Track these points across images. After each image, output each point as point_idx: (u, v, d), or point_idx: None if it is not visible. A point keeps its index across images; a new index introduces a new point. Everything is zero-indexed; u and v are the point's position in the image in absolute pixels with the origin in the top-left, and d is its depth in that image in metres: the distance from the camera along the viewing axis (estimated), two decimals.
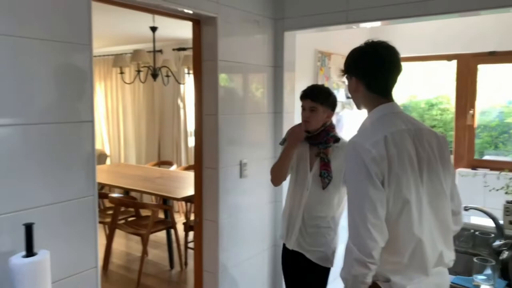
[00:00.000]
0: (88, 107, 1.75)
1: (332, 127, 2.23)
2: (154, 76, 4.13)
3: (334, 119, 2.31)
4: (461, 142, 4.35)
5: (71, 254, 1.71)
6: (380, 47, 1.48)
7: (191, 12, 2.30)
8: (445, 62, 4.38)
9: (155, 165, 5.90)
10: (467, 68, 4.17)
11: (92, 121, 1.77)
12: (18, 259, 1.43)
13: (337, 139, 2.21)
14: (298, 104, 3.10)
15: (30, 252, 1.45)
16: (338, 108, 3.74)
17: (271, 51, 2.85)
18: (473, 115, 4.24)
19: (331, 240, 2.22)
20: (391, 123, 1.42)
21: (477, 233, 2.16)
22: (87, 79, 1.75)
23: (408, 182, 1.34)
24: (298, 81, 3.08)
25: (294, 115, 3.03)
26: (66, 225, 1.69)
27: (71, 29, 1.68)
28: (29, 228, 1.45)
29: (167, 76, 4.39)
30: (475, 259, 1.73)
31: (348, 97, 3.95)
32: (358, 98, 1.56)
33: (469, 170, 4.19)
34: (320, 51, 3.45)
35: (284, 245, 2.34)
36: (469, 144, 4.33)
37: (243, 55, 2.63)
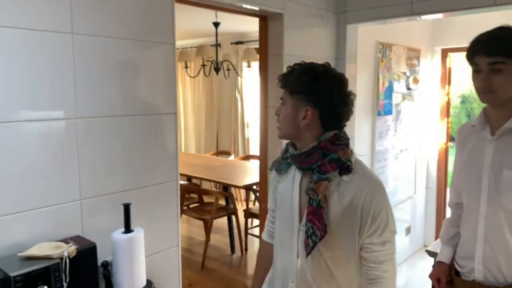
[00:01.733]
0: (172, 101, 1.94)
1: (332, 141, 1.28)
2: (217, 70, 4.32)
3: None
4: None
5: (158, 232, 1.91)
6: None
7: (258, 9, 2.43)
8: None
9: (213, 154, 6.16)
10: None
11: (175, 113, 1.96)
12: (118, 235, 1.63)
13: (344, 167, 1.27)
14: (360, 96, 3.16)
15: (128, 229, 1.65)
16: (398, 99, 3.77)
17: (333, 44, 2.93)
18: None
19: None
20: None
21: None
22: (172, 75, 1.93)
23: None
24: (359, 73, 3.13)
25: (355, 107, 3.08)
26: (154, 206, 1.89)
27: (158, 29, 1.86)
28: (127, 208, 1.65)
29: (228, 69, 4.57)
30: None
31: (409, 88, 3.93)
32: None
33: None
34: (381, 42, 3.46)
35: None
36: None
37: (306, 48, 2.73)
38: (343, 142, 1.30)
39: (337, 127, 1.31)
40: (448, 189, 4.18)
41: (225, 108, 6.40)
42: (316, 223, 1.23)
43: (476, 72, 1.45)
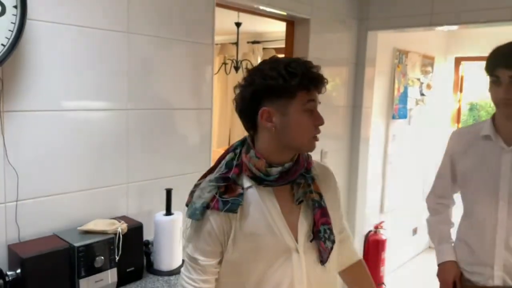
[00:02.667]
0: (209, 97, 2.10)
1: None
2: (236, 68, 4.48)
3: None
4: None
5: None
6: None
7: (286, 14, 2.58)
8: None
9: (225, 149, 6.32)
10: None
11: (211, 109, 2.12)
12: (160, 217, 1.79)
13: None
14: (376, 100, 3.32)
15: (169, 212, 1.82)
16: (411, 104, 3.92)
17: (354, 49, 3.08)
18: None
19: None
20: None
21: None
22: (210, 73, 2.09)
23: None
24: (377, 77, 3.29)
25: (371, 110, 3.24)
26: (189, 192, 2.05)
27: (200, 31, 2.03)
28: (169, 192, 1.81)
29: (246, 68, 4.72)
30: None
31: (422, 94, 4.07)
32: None
33: None
34: (398, 49, 3.61)
35: None
36: None
37: (330, 52, 2.88)
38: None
39: None
40: None
41: None
42: (330, 223, 1.18)
43: (495, 84, 1.52)
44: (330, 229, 1.17)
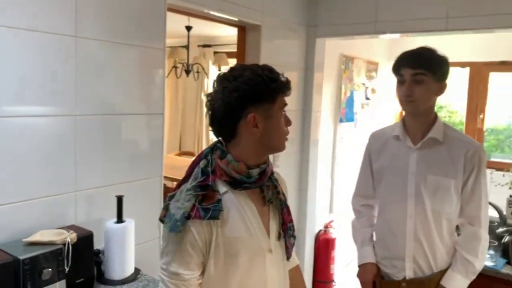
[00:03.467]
0: (160, 102, 2.08)
1: None
2: (187, 72, 4.45)
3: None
4: None
5: (145, 223, 2.04)
6: None
7: (237, 19, 2.61)
8: (458, 68, 4.67)
9: (176, 155, 6.24)
10: (479, 75, 4.46)
11: (162, 114, 2.10)
12: (111, 224, 1.76)
13: None
14: (324, 104, 3.43)
15: (120, 219, 1.78)
16: (357, 108, 4.08)
17: (303, 55, 3.17)
18: (482, 119, 4.53)
19: None
20: None
21: None
22: (161, 78, 2.07)
23: None
24: (325, 82, 3.40)
25: (320, 113, 3.35)
26: (140, 199, 2.02)
27: (151, 36, 2.00)
28: (120, 199, 1.78)
29: (197, 72, 4.71)
30: None
31: (367, 98, 4.26)
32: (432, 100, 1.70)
33: None
34: (345, 55, 3.75)
35: None
36: None
37: (280, 58, 2.94)
38: None
39: None
40: None
41: (190, 109, 6.50)
42: (293, 220, 1.27)
43: (400, 83, 1.67)
44: (293, 226, 1.26)
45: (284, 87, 1.17)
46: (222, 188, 1.15)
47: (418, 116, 1.70)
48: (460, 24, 2.53)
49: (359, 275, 1.90)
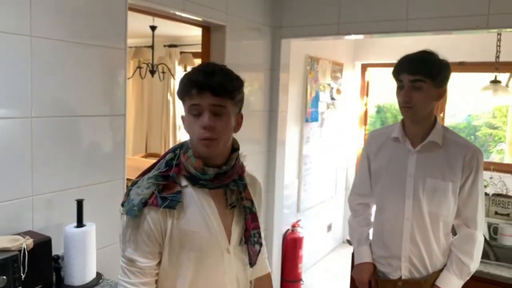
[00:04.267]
0: (122, 103, 2.04)
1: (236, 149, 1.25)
2: (152, 72, 4.39)
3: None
4: None
5: (107, 227, 1.99)
6: None
7: (202, 19, 2.60)
8: None
9: (142, 157, 6.13)
10: None
11: (124, 115, 2.06)
12: (71, 229, 1.70)
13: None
14: (291, 104, 3.46)
15: (80, 223, 1.73)
16: (323, 108, 4.14)
17: (269, 55, 3.18)
18: (442, 118, 4.69)
19: None
20: None
21: None
22: (123, 78, 2.03)
23: None
24: (291, 83, 3.43)
25: (286, 113, 3.37)
26: (102, 202, 1.97)
27: (111, 35, 1.96)
28: (80, 203, 1.73)
29: (163, 72, 4.64)
30: None
31: (332, 98, 4.32)
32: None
33: None
34: (310, 56, 3.80)
35: None
36: None
37: (246, 58, 2.95)
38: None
39: None
40: None
41: (156, 110, 6.40)
42: (259, 228, 1.26)
43: (399, 88, 1.66)
44: (259, 233, 1.25)
45: (189, 88, 1.11)
46: (183, 182, 1.17)
47: (417, 121, 1.70)
48: (420, 25, 2.61)
49: (355, 274, 1.90)
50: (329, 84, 4.23)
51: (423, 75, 1.59)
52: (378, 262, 1.86)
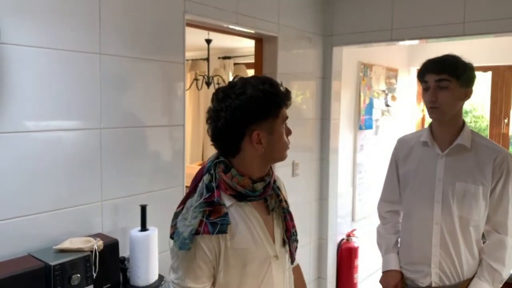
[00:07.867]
0: (181, 114, 2.16)
1: None
2: (208, 84, 4.55)
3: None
4: None
5: (167, 231, 2.10)
6: None
7: (254, 32, 2.68)
8: (480, 73, 4.61)
9: (199, 165, 6.34)
10: (501, 79, 4.39)
11: (183, 125, 2.18)
12: (136, 232, 1.82)
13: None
14: (343, 111, 3.45)
15: (144, 227, 1.85)
16: (377, 115, 4.07)
17: (320, 64, 3.21)
18: (507, 124, 4.45)
19: None
20: None
21: None
22: (182, 91, 2.15)
23: None
24: (343, 90, 3.42)
25: (339, 121, 3.37)
26: (163, 207, 2.08)
27: (171, 51, 2.09)
28: (144, 208, 1.85)
29: (218, 83, 4.80)
30: None
31: (387, 105, 4.24)
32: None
33: None
34: (363, 62, 3.76)
35: None
36: None
37: (297, 67, 2.99)
38: None
39: None
40: None
41: None
42: (295, 226, 1.31)
43: (425, 90, 1.68)
44: (296, 231, 1.31)
45: (285, 99, 1.16)
46: (227, 201, 1.17)
47: (445, 123, 1.71)
48: (477, 28, 2.52)
49: (382, 282, 1.90)
50: (383, 91, 4.16)
51: (448, 74, 1.61)
52: (405, 269, 1.84)
